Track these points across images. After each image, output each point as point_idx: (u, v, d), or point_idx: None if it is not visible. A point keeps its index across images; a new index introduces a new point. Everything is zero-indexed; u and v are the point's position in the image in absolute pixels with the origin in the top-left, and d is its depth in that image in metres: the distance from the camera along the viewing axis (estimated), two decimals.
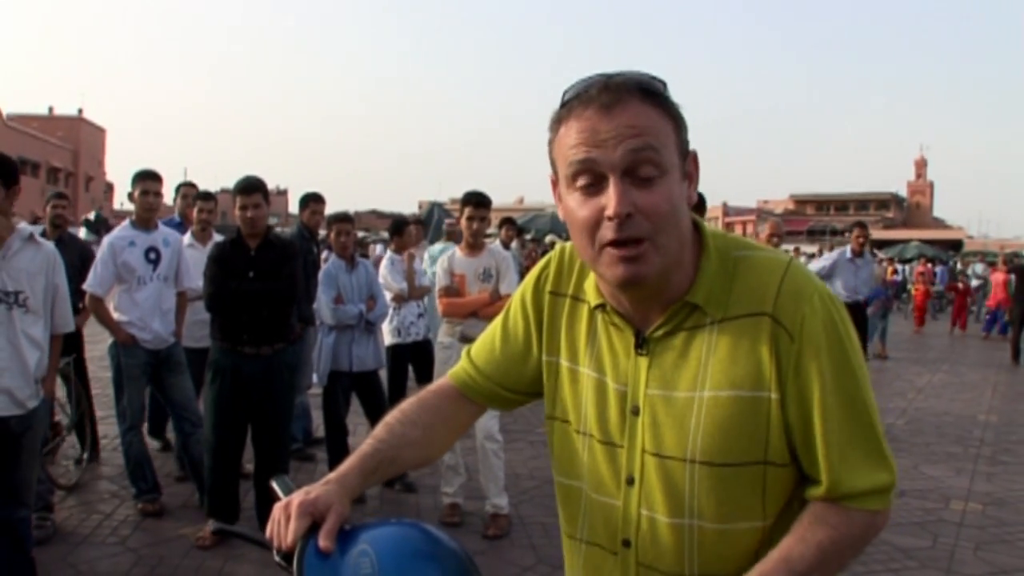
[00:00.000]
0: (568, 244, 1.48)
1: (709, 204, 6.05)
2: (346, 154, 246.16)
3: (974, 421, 8.98)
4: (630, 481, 1.32)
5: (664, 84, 1.24)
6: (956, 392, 10.88)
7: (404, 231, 7.38)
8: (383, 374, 6.22)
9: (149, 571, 4.42)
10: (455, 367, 1.60)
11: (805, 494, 1.26)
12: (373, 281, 6.04)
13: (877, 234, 54.89)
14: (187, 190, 6.99)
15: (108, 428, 6.75)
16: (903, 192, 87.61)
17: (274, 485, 1.34)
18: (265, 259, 4.78)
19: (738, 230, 71.42)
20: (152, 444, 6.74)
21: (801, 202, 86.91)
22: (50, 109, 70.95)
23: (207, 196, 6.45)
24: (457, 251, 5.39)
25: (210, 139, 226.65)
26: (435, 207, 22.39)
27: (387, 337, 6.68)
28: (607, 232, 1.18)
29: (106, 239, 5.38)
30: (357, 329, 5.76)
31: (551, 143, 1.28)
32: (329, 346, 5.73)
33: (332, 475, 1.32)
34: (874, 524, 1.25)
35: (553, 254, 1.50)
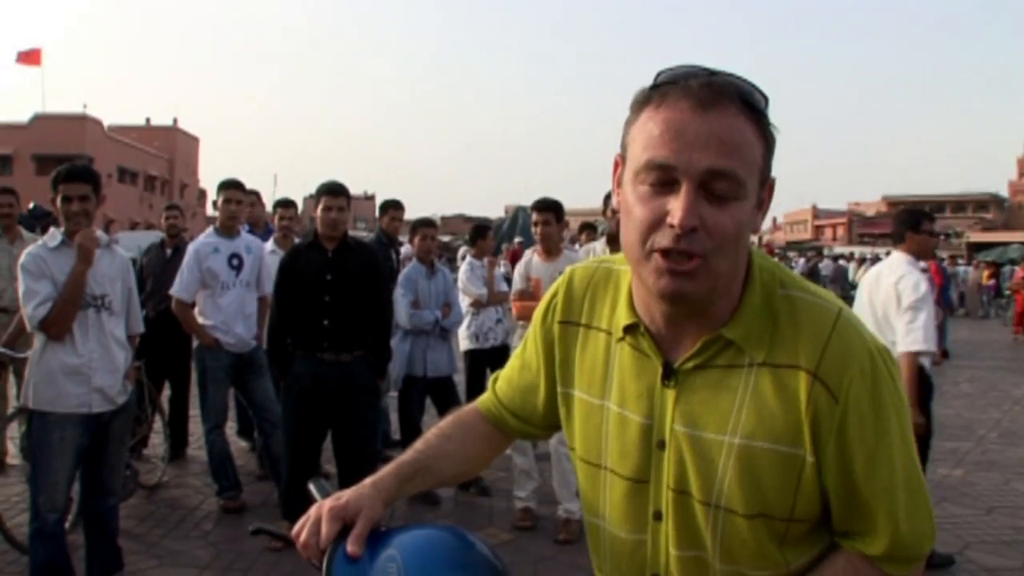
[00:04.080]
0: (576, 269, 1.43)
1: (799, 205, 5.96)
2: (435, 159, 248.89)
3: None
4: (657, 516, 1.26)
5: (767, 100, 1.15)
6: None
7: (485, 236, 7.42)
8: (459, 379, 6.28)
9: (227, 564, 4.56)
10: (483, 395, 1.58)
11: (859, 548, 1.20)
12: (450, 288, 6.11)
13: (975, 236, 52.95)
14: (250, 198, 7.09)
15: (197, 426, 6.97)
16: (1004, 192, 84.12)
17: (311, 488, 1.35)
18: (342, 263, 4.81)
19: (828, 233, 69.78)
20: (240, 444, 6.98)
21: (894, 204, 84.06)
22: (147, 120, 73.40)
23: (287, 203, 6.62)
24: (535, 255, 5.45)
25: (299, 147, 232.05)
26: (520, 211, 22.45)
27: (465, 342, 6.68)
28: (663, 239, 1.10)
29: (191, 246, 5.59)
30: (432, 335, 5.83)
31: (629, 123, 1.19)
32: (404, 351, 5.81)
33: (368, 480, 1.33)
34: None
35: (560, 282, 1.43)
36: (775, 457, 1.15)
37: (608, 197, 6.09)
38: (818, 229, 70.45)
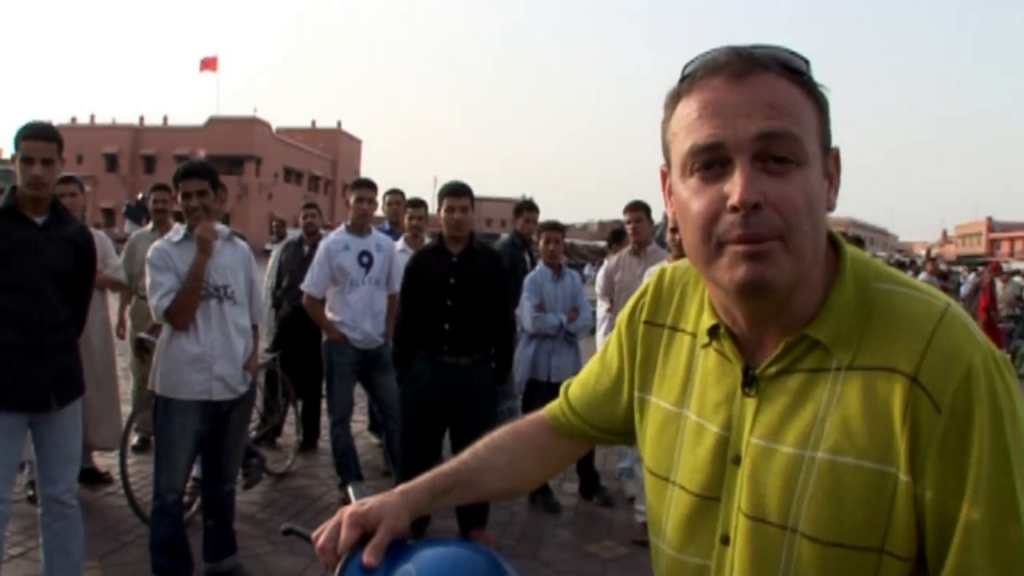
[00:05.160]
0: (668, 268, 1.32)
1: (972, 217, 5.77)
2: (587, 163, 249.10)
3: None
4: (725, 540, 1.11)
5: (807, 61, 1.03)
6: None
7: (623, 239, 7.32)
8: None
9: None
10: (551, 403, 1.46)
11: None
12: (579, 292, 6.01)
13: None
14: (394, 197, 7.26)
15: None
16: None
17: (349, 490, 1.31)
18: (466, 266, 4.82)
19: (1004, 248, 65.34)
20: (372, 439, 7.12)
21: None
22: (312, 122, 77.08)
23: (417, 203, 6.70)
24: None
25: (458, 150, 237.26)
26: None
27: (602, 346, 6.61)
28: (728, 226, 0.98)
29: (323, 243, 5.73)
30: (557, 339, 5.75)
31: (665, 123, 1.09)
32: (528, 356, 5.76)
33: (399, 488, 1.27)
34: None
35: (651, 280, 1.33)
36: (863, 476, 0.99)
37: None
38: (993, 243, 66.24)
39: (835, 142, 1.07)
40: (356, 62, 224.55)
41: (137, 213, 11.38)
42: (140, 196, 7.41)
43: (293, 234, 7.76)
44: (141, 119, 66.37)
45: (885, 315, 1.02)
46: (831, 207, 1.06)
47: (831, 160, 1.06)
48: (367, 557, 1.12)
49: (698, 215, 1.01)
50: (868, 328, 1.02)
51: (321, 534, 1.19)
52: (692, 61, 1.06)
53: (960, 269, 31.79)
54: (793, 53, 1.03)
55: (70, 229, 3.49)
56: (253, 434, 6.50)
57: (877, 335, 1.01)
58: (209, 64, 60.65)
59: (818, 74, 1.04)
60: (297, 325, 6.35)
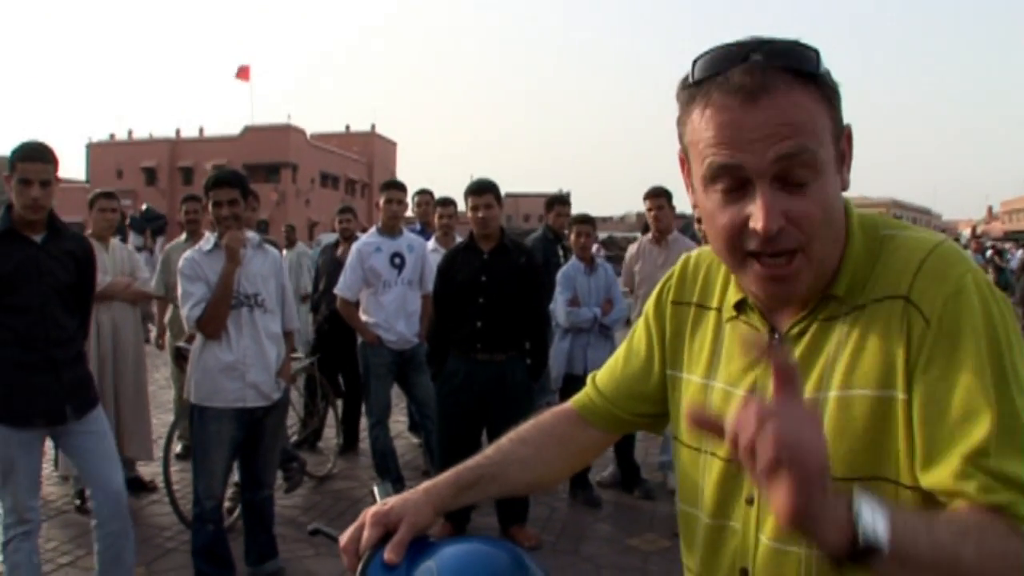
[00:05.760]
0: (692, 254, 1.37)
1: (1018, 192, 5.64)
2: (625, 154, 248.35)
3: None
4: (750, 501, 1.15)
5: (817, 54, 1.04)
6: None
7: None
8: None
9: None
10: (578, 393, 1.48)
11: (951, 492, 0.96)
12: (612, 284, 5.98)
13: None
14: (423, 197, 7.28)
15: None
16: None
17: (375, 489, 1.31)
18: (497, 263, 4.84)
19: None
20: (412, 440, 7.15)
21: None
22: (347, 127, 77.57)
23: (447, 202, 6.71)
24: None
25: (494, 147, 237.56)
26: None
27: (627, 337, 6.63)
28: (753, 243, 1.04)
29: (355, 246, 5.77)
30: (592, 332, 5.73)
31: (681, 122, 1.11)
32: (564, 350, 5.74)
33: (423, 485, 1.28)
34: None
35: (677, 266, 1.37)
36: (867, 405, 1.03)
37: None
38: None
39: (876, 121, 1.07)
40: (389, 64, 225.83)
41: (141, 225, 11.51)
42: (144, 207, 7.52)
43: (329, 238, 7.81)
44: (177, 131, 67.27)
45: (889, 256, 1.08)
46: (845, 185, 1.09)
47: (844, 141, 1.08)
48: (388, 554, 1.13)
49: (723, 230, 1.07)
50: (874, 271, 1.08)
51: (346, 534, 1.20)
52: (702, 56, 1.07)
53: (1008, 245, 31.17)
54: (804, 48, 1.03)
55: (69, 243, 3.53)
56: (294, 438, 6.57)
57: (882, 273, 1.07)
58: (242, 74, 61.34)
59: (843, 59, 1.01)
60: (335, 328, 6.40)
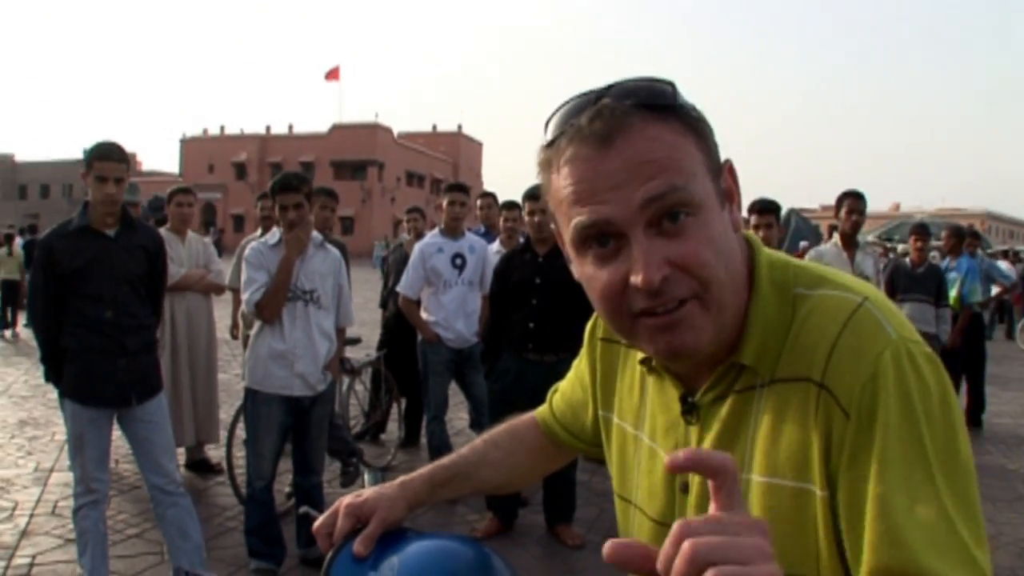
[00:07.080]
0: None
1: None
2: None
3: None
4: None
5: (672, 86, 0.94)
6: None
7: None
8: None
9: None
10: (542, 406, 1.47)
11: None
12: None
13: None
14: (486, 200, 7.43)
15: None
16: None
17: (366, 478, 1.35)
18: (552, 266, 4.90)
19: None
20: (475, 436, 7.27)
21: None
22: (433, 127, 78.53)
23: (511, 205, 6.81)
24: None
25: None
26: (792, 213, 21.58)
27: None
28: (638, 301, 0.92)
29: (417, 246, 5.94)
30: None
31: (544, 190, 1.01)
32: None
33: (399, 479, 1.30)
34: None
35: None
36: (783, 496, 0.93)
37: (843, 197, 5.89)
38: None
39: (978, 131, 0.95)
40: (475, 64, 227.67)
41: (146, 214, 11.88)
42: (155, 195, 7.76)
43: (404, 237, 8.03)
44: (268, 128, 69.14)
45: (804, 321, 0.96)
46: (737, 226, 0.99)
47: (726, 177, 0.99)
48: (356, 546, 1.15)
49: (603, 292, 0.95)
50: (788, 338, 0.97)
51: (322, 525, 1.22)
52: (552, 117, 0.98)
53: None
54: (656, 82, 0.94)
55: (140, 236, 3.77)
56: (356, 429, 6.78)
57: (795, 344, 0.96)
58: (332, 75, 62.66)
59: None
60: (401, 325, 6.57)
